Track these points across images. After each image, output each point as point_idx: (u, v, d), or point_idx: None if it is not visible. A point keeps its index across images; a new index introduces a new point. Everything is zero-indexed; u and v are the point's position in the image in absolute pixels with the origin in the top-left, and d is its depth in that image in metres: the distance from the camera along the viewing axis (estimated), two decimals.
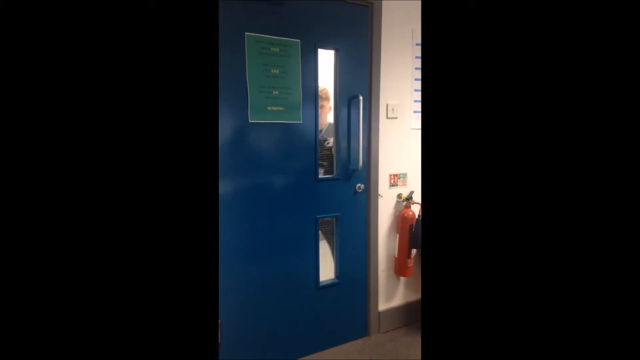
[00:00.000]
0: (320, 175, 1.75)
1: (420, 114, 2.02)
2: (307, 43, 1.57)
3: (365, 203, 1.89)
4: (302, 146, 1.66)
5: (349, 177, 1.81)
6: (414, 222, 1.95)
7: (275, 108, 1.47)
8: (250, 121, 1.50)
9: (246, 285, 1.62)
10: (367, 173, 1.86)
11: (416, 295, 2.16)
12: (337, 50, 1.69)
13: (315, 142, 1.68)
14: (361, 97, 1.73)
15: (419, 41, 1.97)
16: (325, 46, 1.67)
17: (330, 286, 1.86)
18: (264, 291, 1.67)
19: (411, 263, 1.99)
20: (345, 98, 1.74)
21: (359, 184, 1.84)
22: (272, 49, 1.40)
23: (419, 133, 2.03)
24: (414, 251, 1.99)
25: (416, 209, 2.00)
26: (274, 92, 1.44)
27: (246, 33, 1.41)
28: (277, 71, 1.44)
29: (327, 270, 1.92)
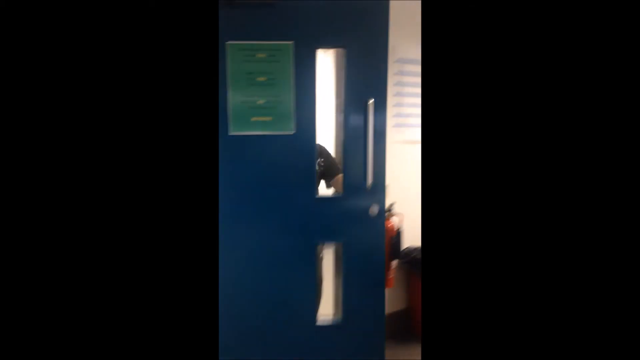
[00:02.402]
0: (321, 194, 1.39)
1: (400, 128, 1.94)
2: (303, 44, 1.27)
3: (382, 228, 1.38)
4: (297, 160, 1.32)
5: (358, 196, 1.37)
6: (394, 234, 1.86)
7: (260, 118, 1.23)
8: (230, 134, 1.26)
9: (226, 324, 1.23)
10: (381, 191, 1.38)
11: (397, 306, 2.05)
12: (344, 49, 1.30)
13: (312, 155, 1.34)
14: (373, 102, 1.31)
15: (400, 57, 1.87)
16: (327, 45, 1.35)
17: (332, 326, 1.42)
18: (250, 329, 1.36)
19: (392, 274, 1.89)
20: (356, 103, 1.32)
21: (372, 206, 1.37)
22: (257, 55, 1.19)
23: (399, 146, 1.94)
24: (394, 262, 1.90)
25: (397, 221, 1.89)
26: (259, 102, 1.22)
27: (228, 42, 1.21)
28: (265, 78, 1.22)
29: (329, 306, 1.55)
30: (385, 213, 1.82)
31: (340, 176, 1.45)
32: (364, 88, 1.31)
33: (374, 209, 1.37)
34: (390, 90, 1.87)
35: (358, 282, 1.41)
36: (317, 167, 1.54)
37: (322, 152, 1.58)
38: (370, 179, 1.34)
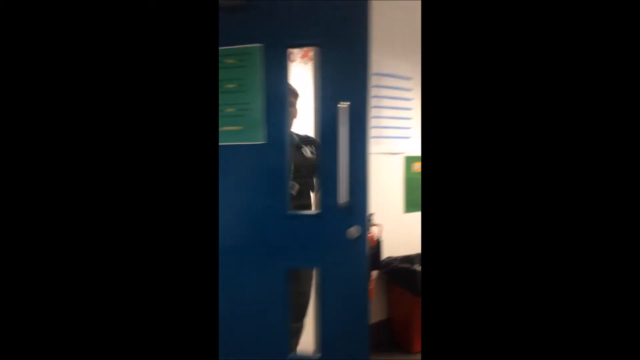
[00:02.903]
0: (292, 211, 1.18)
1: (376, 140, 1.93)
2: (273, 45, 1.12)
3: (363, 253, 1.14)
4: (268, 172, 1.16)
5: (336, 215, 1.13)
6: (374, 244, 1.83)
7: (230, 128, 1.14)
8: None
9: None
10: (362, 210, 1.13)
11: (377, 317, 2.00)
12: (318, 47, 1.13)
13: (284, 167, 1.16)
14: (348, 106, 1.08)
15: (377, 70, 1.88)
16: (299, 43, 1.20)
17: None
18: None
19: (372, 285, 1.85)
20: (331, 107, 1.11)
21: (352, 227, 1.12)
22: (225, 61, 1.11)
23: (378, 157, 1.93)
24: (374, 273, 1.86)
25: (376, 231, 1.87)
26: (228, 110, 1.13)
27: None
28: (234, 85, 1.13)
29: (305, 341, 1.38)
30: (367, 236, 1.79)
31: None
32: (339, 90, 1.11)
33: (353, 232, 1.12)
34: (369, 101, 1.87)
35: (337, 316, 1.17)
36: (310, 154, 1.42)
37: (312, 141, 1.45)
38: (343, 196, 1.08)
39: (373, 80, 1.88)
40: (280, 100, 1.16)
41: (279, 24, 1.13)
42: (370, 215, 1.86)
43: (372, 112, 1.89)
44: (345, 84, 1.11)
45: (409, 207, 2.08)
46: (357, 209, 1.13)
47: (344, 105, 1.09)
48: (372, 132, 1.90)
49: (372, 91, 1.89)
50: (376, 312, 1.98)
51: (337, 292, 1.17)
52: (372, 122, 1.91)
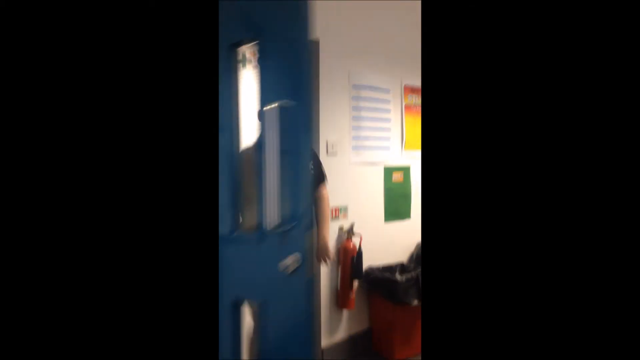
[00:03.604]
0: (239, 232, 0.97)
1: (358, 151, 1.93)
2: (220, 45, 0.93)
3: (309, 288, 0.90)
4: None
5: (274, 239, 0.88)
6: (355, 254, 1.82)
7: None
8: None
9: None
10: (301, 235, 0.86)
11: (360, 327, 1.97)
12: (256, 41, 0.98)
13: (232, 181, 0.94)
14: (278, 106, 0.88)
15: (356, 82, 1.89)
16: (242, 41, 1.04)
17: None
18: None
19: (353, 295, 1.84)
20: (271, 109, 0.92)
21: (288, 258, 0.85)
22: None
23: (358, 167, 1.95)
24: (355, 283, 1.84)
25: (357, 241, 1.86)
26: None
27: None
28: None
29: None
30: (345, 234, 1.76)
31: (323, 187, 1.25)
32: (279, 89, 0.90)
33: (289, 263, 0.84)
34: (348, 114, 1.88)
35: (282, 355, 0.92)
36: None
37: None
38: (273, 219, 0.83)
39: (352, 92, 1.89)
40: (229, 106, 0.95)
41: (222, 20, 0.91)
42: (352, 225, 1.86)
43: (352, 123, 1.90)
44: (285, 82, 0.91)
45: (389, 217, 2.08)
46: (293, 234, 0.84)
47: (271, 107, 0.87)
48: (352, 143, 1.91)
49: (351, 102, 1.90)
50: (357, 322, 1.95)
51: (276, 332, 0.92)
52: (352, 133, 1.92)
